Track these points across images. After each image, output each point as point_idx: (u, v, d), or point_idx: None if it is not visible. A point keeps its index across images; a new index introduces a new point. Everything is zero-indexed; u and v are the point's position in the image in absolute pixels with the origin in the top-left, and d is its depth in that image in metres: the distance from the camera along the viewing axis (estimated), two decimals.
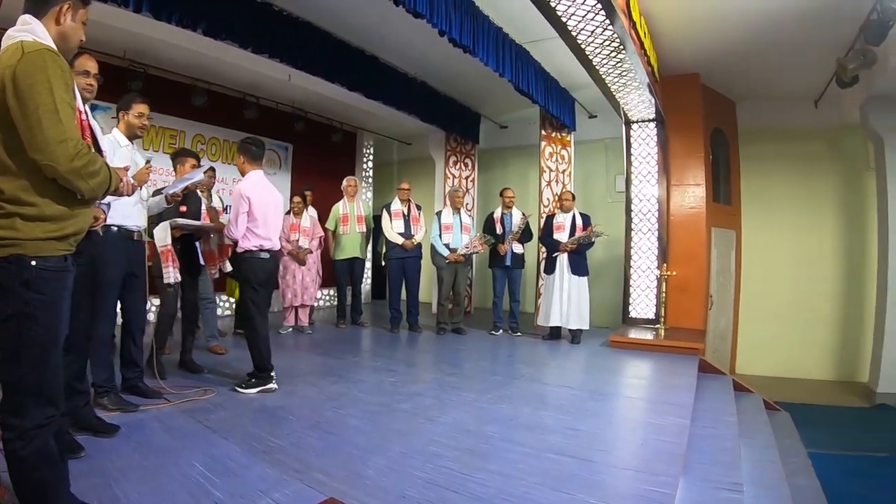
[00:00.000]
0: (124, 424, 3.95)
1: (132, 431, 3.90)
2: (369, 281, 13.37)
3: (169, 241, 5.24)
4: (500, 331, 9.09)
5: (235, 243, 5.44)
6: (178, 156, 5.91)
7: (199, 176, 5.18)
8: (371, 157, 13.83)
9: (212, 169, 7.29)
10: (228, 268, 6.27)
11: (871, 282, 10.56)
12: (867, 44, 7.57)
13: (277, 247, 5.59)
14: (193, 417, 4.31)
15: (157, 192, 5.12)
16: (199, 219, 6.03)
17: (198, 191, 6.24)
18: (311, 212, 8.96)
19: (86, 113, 2.88)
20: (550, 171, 10.71)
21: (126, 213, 4.21)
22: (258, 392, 5.12)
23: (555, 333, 8.67)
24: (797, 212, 11.43)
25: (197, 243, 6.03)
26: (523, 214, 9.01)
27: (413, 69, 9.63)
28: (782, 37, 8.48)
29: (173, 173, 6.10)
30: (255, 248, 5.29)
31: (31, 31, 2.37)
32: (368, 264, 12.25)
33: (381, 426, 4.29)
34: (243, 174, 5.50)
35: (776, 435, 6.41)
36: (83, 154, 2.33)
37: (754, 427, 6.51)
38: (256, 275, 5.32)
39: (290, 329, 8.54)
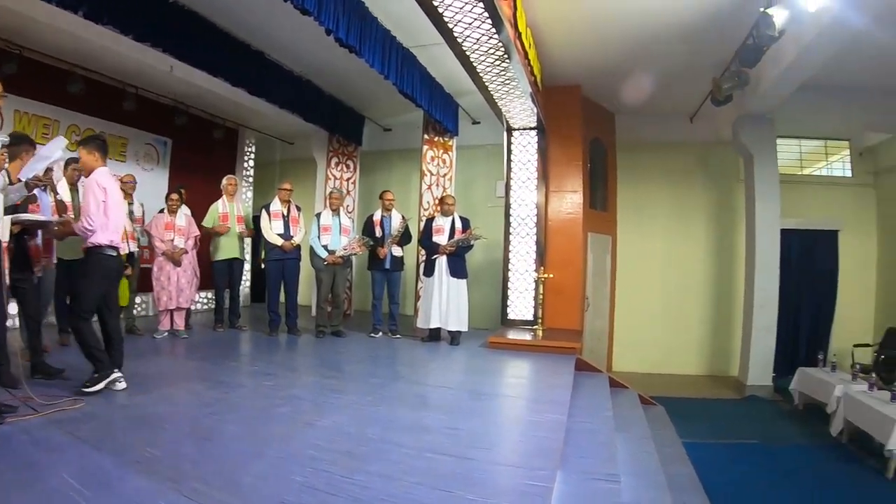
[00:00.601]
0: None
1: None
2: (248, 283, 13.07)
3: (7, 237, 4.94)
4: (380, 333, 9.06)
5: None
6: (13, 144, 5.12)
7: (58, 153, 4.88)
8: (253, 156, 13.50)
9: (75, 160, 6.93)
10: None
11: (739, 284, 11.51)
12: (742, 66, 8.12)
13: (123, 248, 5.41)
14: (63, 428, 4.06)
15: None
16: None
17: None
18: (186, 210, 8.58)
19: None
20: (432, 174, 10.81)
21: None
22: (105, 387, 4.91)
23: (434, 335, 8.73)
24: (671, 219, 12.16)
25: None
26: (403, 217, 9.05)
27: (299, 67, 9.53)
28: (662, 56, 8.95)
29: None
30: (105, 244, 5.03)
31: None
32: (248, 266, 12.02)
33: (258, 431, 4.22)
34: (90, 170, 5.15)
35: (651, 427, 6.70)
36: None
37: (630, 421, 6.76)
38: (106, 272, 5.11)
39: (166, 333, 8.14)
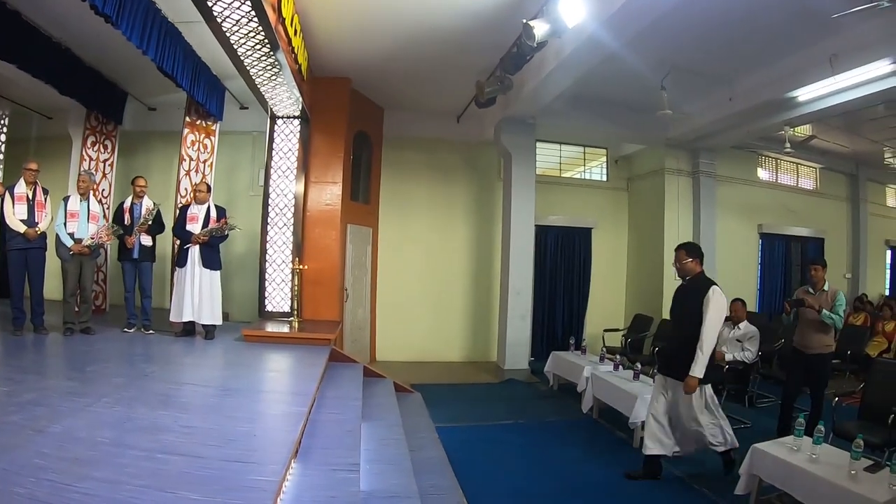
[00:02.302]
0: None
1: None
2: None
3: None
4: (134, 328, 8.62)
5: None
6: None
7: None
8: (5, 130, 12.19)
9: None
10: None
11: (496, 275, 12.21)
12: (505, 72, 8.57)
13: None
14: None
15: None
16: None
17: None
18: None
19: None
20: (191, 159, 10.52)
21: None
22: None
23: (189, 329, 8.49)
24: (434, 213, 12.65)
25: None
26: (154, 204, 8.67)
27: (58, 33, 8.57)
28: (432, 56, 9.24)
29: None
30: None
31: None
32: None
33: None
34: None
35: (404, 414, 6.93)
36: None
37: (382, 409, 6.99)
38: None
39: None
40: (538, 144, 12.26)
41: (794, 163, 15.37)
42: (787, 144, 11.05)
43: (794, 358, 7.62)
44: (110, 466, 3.51)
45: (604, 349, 10.01)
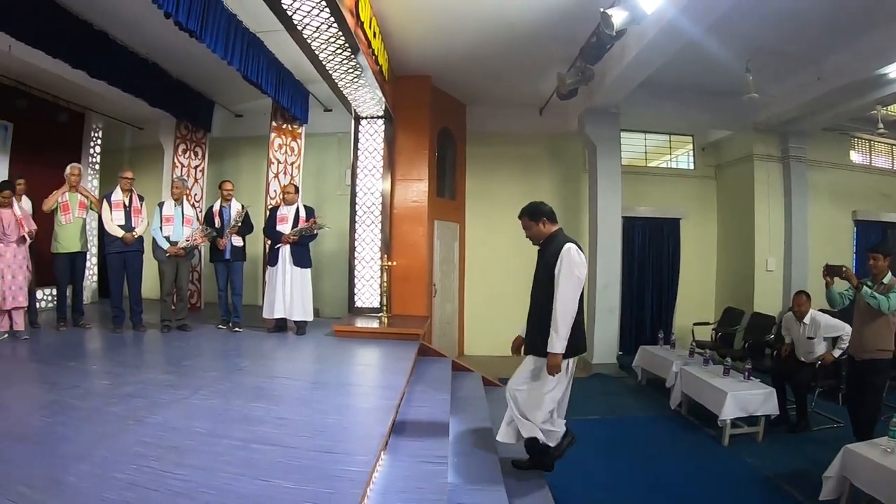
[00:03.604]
0: None
1: None
2: (95, 278, 12.38)
3: None
4: (227, 325, 8.96)
5: None
6: None
7: None
8: (100, 142, 12.74)
9: None
10: None
11: None
12: (586, 63, 8.41)
13: None
14: None
15: None
16: None
17: None
18: (17, 206, 7.85)
19: None
20: (279, 162, 10.75)
21: None
22: None
23: (280, 325, 8.71)
24: (518, 207, 12.18)
25: None
26: (242, 206, 8.96)
27: (145, 50, 9.12)
28: (512, 49, 9.15)
29: None
30: None
31: None
32: (95, 259, 11.53)
33: (88, 432, 4.14)
34: None
35: (492, 408, 6.81)
36: None
37: (472, 403, 7.00)
38: None
39: (6, 335, 7.55)
40: (622, 134, 12.04)
41: (889, 144, 14.46)
42: (881, 125, 10.51)
43: (849, 366, 6.87)
44: (206, 455, 3.68)
45: (693, 343, 9.87)
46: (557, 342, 4.75)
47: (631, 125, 12.76)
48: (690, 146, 14.02)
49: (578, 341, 5.01)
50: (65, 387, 5.43)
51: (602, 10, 6.77)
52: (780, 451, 6.96)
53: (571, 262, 4.87)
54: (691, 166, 13.97)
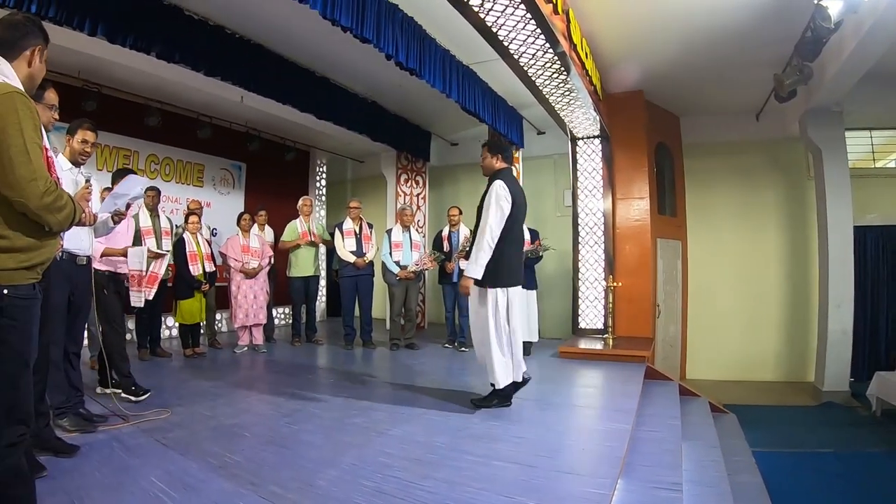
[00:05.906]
0: (84, 444, 4.02)
1: (92, 451, 3.97)
2: (324, 299, 13.38)
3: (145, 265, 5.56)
4: (454, 344, 9.20)
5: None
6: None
7: (136, 189, 4.59)
8: (324, 176, 13.87)
9: (155, 189, 7.67)
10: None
11: (813, 285, 11.00)
12: (803, 60, 7.90)
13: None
14: (151, 436, 4.36)
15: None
16: None
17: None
18: (259, 231, 9.13)
19: (51, 149, 2.96)
20: None
21: (77, 238, 4.25)
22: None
23: None
24: (741, 221, 11.79)
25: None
26: (470, 232, 9.05)
27: (363, 89, 9.75)
28: (722, 54, 8.79)
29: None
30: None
31: (1, 73, 2.49)
32: (323, 282, 12.43)
33: (333, 440, 4.40)
34: None
35: (721, 436, 6.59)
36: (52, 191, 2.44)
37: (699, 429, 6.69)
38: None
39: (246, 348, 8.56)
40: (846, 133, 10.89)
41: None
42: None
43: None
44: (449, 468, 3.77)
45: None
46: (472, 267, 5.27)
47: (854, 122, 11.58)
48: None
49: (502, 274, 5.42)
50: (307, 397, 5.84)
51: (816, 1, 6.51)
52: None
53: (497, 196, 5.21)
54: None
